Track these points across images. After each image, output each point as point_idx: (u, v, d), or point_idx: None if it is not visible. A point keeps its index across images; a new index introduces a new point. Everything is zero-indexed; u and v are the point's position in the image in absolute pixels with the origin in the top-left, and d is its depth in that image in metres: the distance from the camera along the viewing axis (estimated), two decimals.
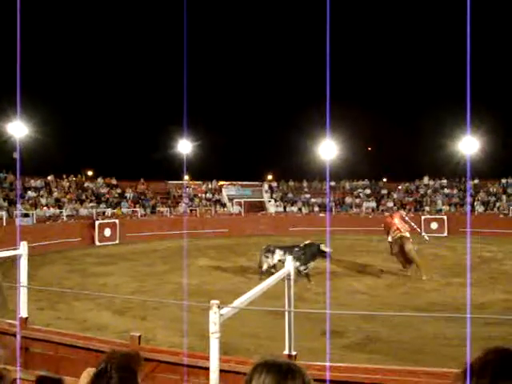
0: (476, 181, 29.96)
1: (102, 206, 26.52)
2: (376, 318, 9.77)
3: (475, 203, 28.24)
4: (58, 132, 28.99)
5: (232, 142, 36.46)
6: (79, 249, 21.78)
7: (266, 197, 31.82)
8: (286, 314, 4.47)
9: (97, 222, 23.79)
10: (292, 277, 4.49)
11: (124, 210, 27.03)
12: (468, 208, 27.72)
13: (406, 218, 17.76)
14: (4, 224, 21.13)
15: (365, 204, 30.39)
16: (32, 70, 27.85)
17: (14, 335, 5.60)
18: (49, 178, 26.72)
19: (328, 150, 30.45)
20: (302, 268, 13.79)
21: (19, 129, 25.15)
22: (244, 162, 35.51)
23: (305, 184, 33.39)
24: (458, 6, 22.33)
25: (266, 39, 37.15)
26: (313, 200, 31.46)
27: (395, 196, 30.98)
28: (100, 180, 28.88)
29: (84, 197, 26.68)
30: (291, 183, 33.59)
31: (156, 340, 8.60)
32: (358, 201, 30.99)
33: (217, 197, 31.33)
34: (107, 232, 23.98)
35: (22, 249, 5.77)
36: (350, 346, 8.45)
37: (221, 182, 32.61)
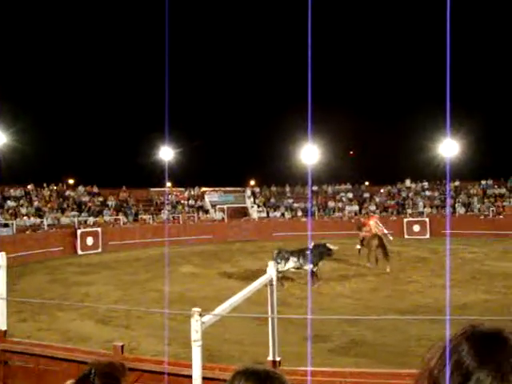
0: (457, 183, 30.31)
1: (84, 214, 26.25)
2: (360, 321, 9.80)
3: (456, 205, 28.56)
4: (37, 140, 28.66)
5: (214, 148, 36.44)
6: (61, 258, 21.51)
7: (248, 202, 31.80)
8: (270, 320, 4.45)
9: (79, 231, 23.53)
10: (275, 283, 4.47)
11: (106, 218, 26.79)
12: (448, 210, 28.01)
13: (379, 223, 19.01)
14: None
15: (347, 208, 30.52)
16: (9, 77, 27.56)
17: None
18: (29, 186, 26.39)
19: (310, 154, 30.52)
20: (314, 269, 14.27)
21: None
22: (226, 167, 35.47)
23: (287, 189, 33.42)
24: (438, 12, 22.66)
25: (248, 47, 37.32)
26: (296, 205, 31.51)
27: (377, 199, 31.18)
28: (81, 188, 28.59)
29: (65, 205, 26.38)
30: (274, 188, 33.60)
31: (140, 349, 8.52)
32: (340, 205, 31.11)
33: (199, 203, 31.23)
34: (89, 241, 23.73)
35: (1, 260, 5.68)
36: (335, 350, 8.46)
37: (203, 189, 32.52)
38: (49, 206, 25.72)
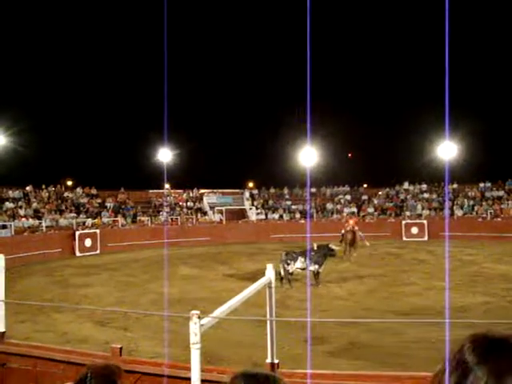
0: (455, 185, 30.34)
1: (82, 216, 26.23)
2: (358, 323, 9.79)
3: (454, 207, 28.58)
4: (35, 142, 28.66)
5: (212, 149, 36.40)
6: (59, 260, 21.48)
7: (247, 204, 31.80)
8: (268, 322, 4.45)
9: (77, 233, 23.52)
10: (273, 285, 4.47)
11: (104, 219, 26.77)
12: (446, 212, 28.02)
13: (357, 228, 20.68)
14: None
15: (346, 210, 30.52)
16: (8, 79, 27.54)
17: None
18: (27, 188, 26.35)
19: (308, 156, 30.56)
20: (320, 269, 14.54)
21: None
22: (224, 169, 35.44)
23: (286, 191, 33.45)
24: (437, 13, 22.71)
25: (247, 49, 37.31)
26: (294, 207, 31.53)
27: (376, 202, 31.20)
28: (79, 190, 28.57)
29: (64, 207, 26.36)
30: (272, 190, 33.63)
31: (139, 351, 8.50)
32: (338, 207, 31.13)
33: (198, 205, 31.21)
34: (88, 242, 23.71)
35: None
36: (333, 352, 8.45)
37: (202, 191, 32.51)
38: (47, 207, 25.69)
